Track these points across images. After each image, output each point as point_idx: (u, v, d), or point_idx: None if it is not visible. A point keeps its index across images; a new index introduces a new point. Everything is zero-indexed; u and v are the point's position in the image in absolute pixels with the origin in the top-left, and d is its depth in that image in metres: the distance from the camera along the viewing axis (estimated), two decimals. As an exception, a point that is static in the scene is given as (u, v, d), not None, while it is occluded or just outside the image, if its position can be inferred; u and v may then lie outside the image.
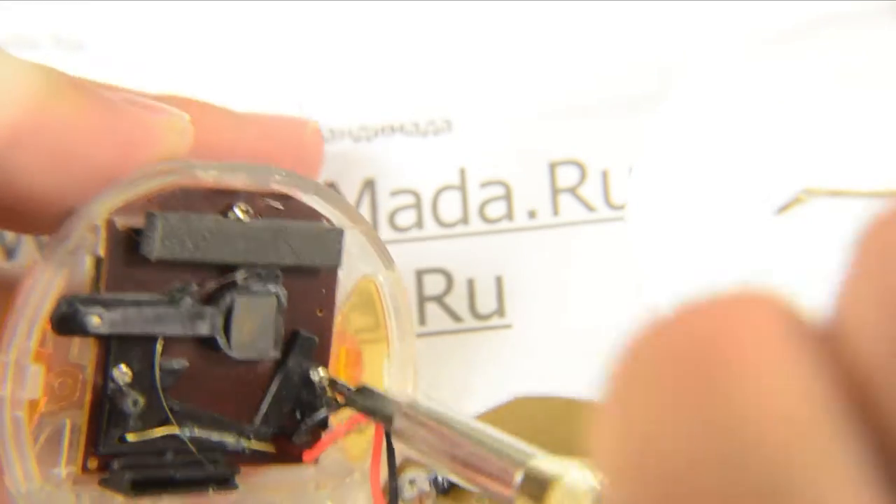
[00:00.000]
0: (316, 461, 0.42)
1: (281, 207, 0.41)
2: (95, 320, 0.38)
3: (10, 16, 0.50)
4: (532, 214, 0.49)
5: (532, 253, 0.49)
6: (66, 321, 0.38)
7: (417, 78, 0.51)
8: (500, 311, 0.49)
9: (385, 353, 0.44)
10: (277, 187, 0.41)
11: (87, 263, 0.38)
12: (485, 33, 0.51)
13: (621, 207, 0.49)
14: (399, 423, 0.37)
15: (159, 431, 0.39)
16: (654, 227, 0.45)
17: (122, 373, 0.39)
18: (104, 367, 0.39)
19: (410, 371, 0.44)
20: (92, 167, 0.39)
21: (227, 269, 0.40)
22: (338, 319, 0.42)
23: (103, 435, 0.39)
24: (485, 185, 0.50)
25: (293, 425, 0.42)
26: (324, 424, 0.42)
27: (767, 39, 0.46)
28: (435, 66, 0.51)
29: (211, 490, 0.40)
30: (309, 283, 0.41)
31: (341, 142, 0.49)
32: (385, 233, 0.49)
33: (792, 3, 0.47)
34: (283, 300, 0.41)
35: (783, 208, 0.44)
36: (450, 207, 0.50)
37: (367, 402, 0.39)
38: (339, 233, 0.41)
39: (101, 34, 0.50)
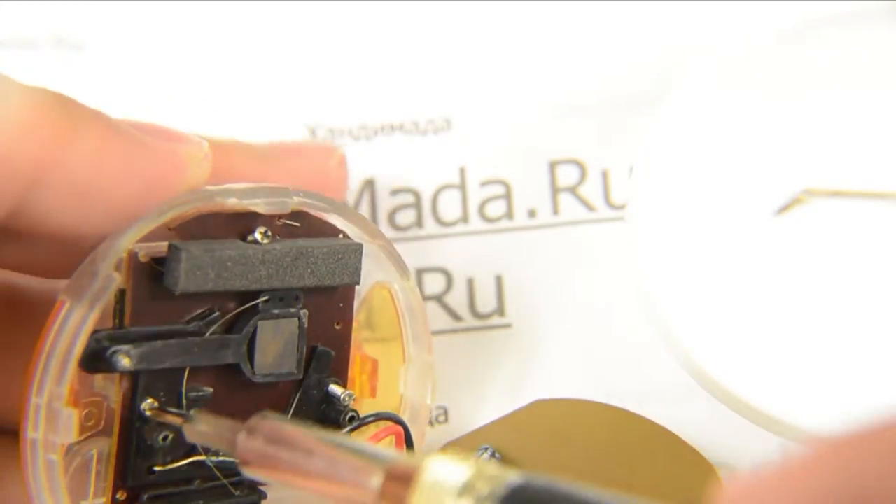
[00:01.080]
0: None
1: (298, 225, 0.41)
2: (125, 361, 0.38)
3: (10, 16, 0.50)
4: (532, 214, 0.49)
5: (532, 252, 0.49)
6: (94, 360, 0.38)
7: (417, 77, 0.51)
8: (499, 311, 0.49)
9: (401, 361, 0.44)
10: (295, 207, 0.41)
11: (110, 293, 0.38)
12: (484, 33, 0.51)
13: (621, 207, 0.49)
14: (244, 445, 0.36)
15: (186, 460, 0.39)
16: (654, 227, 0.45)
17: (151, 406, 0.39)
18: (132, 402, 0.39)
19: (429, 380, 0.44)
20: (117, 202, 0.38)
21: (248, 294, 0.40)
22: (353, 328, 0.42)
23: (132, 467, 0.39)
24: (485, 184, 0.50)
25: None
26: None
27: (767, 39, 0.46)
28: (435, 66, 0.51)
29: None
30: (327, 298, 0.41)
31: (341, 141, 0.49)
32: (385, 232, 0.49)
33: (792, 3, 0.47)
34: (305, 320, 0.40)
35: (783, 209, 0.44)
36: (449, 206, 0.50)
37: (204, 428, 0.38)
38: (357, 249, 0.41)
39: (101, 34, 0.50)
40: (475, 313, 0.48)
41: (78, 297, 0.38)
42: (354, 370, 0.43)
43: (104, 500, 0.39)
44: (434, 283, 0.49)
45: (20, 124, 0.36)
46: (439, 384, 0.44)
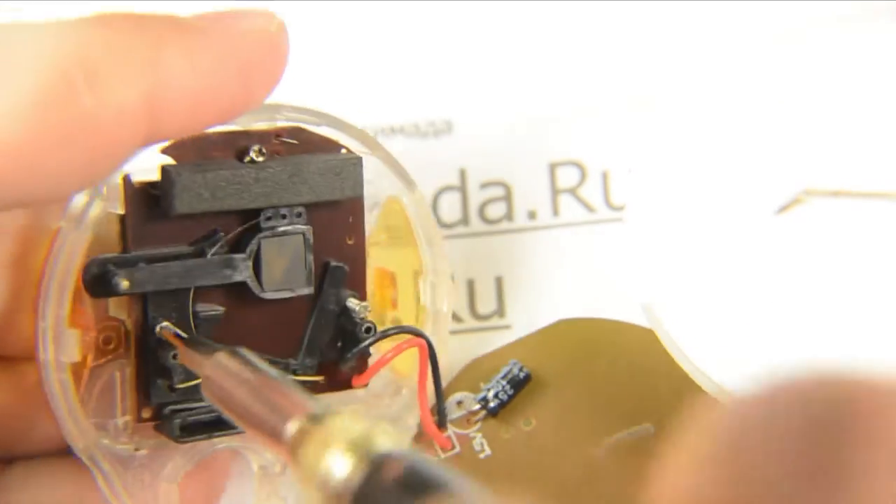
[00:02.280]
0: (365, 384, 0.43)
1: (295, 142, 0.41)
2: (124, 283, 0.39)
3: (9, 17, 0.50)
4: (532, 215, 0.49)
5: (532, 253, 0.49)
6: (97, 284, 0.39)
7: (418, 79, 0.51)
8: (500, 312, 0.49)
9: (419, 272, 0.44)
10: (286, 123, 0.41)
11: (113, 222, 0.39)
12: (485, 35, 0.51)
13: (621, 208, 0.49)
14: (204, 370, 0.37)
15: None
16: (654, 227, 0.45)
17: (163, 327, 0.40)
18: (144, 324, 0.40)
19: (446, 287, 0.44)
20: (225, 99, 0.38)
21: (249, 213, 0.40)
22: (367, 243, 0.43)
23: (153, 387, 0.40)
24: (485, 185, 0.50)
25: (337, 354, 0.42)
26: (367, 351, 0.42)
27: (767, 40, 0.46)
28: (435, 68, 0.51)
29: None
30: (335, 214, 0.42)
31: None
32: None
33: (792, 3, 0.48)
34: (309, 236, 0.41)
35: (783, 209, 0.44)
36: (450, 208, 0.50)
37: (188, 354, 0.39)
38: (357, 161, 0.41)
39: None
40: (475, 314, 0.48)
41: (72, 223, 0.39)
42: (374, 284, 0.43)
43: (130, 418, 0.40)
44: (434, 285, 0.49)
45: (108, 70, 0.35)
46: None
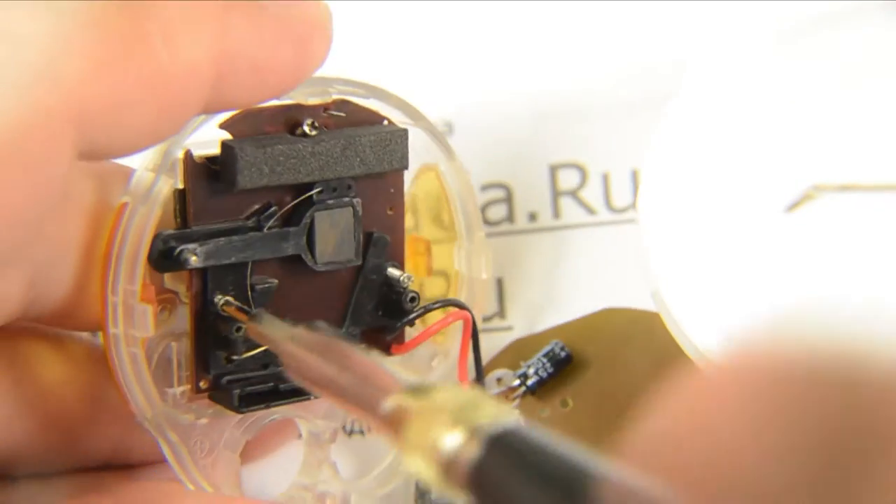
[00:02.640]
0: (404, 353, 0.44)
1: (343, 115, 0.42)
2: (193, 258, 0.40)
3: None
4: (533, 217, 0.49)
5: (533, 256, 0.49)
6: (164, 259, 0.40)
7: (418, 81, 0.51)
8: (500, 314, 0.48)
9: (454, 240, 0.45)
10: (337, 96, 0.42)
11: (168, 195, 0.40)
12: (485, 36, 0.51)
13: (622, 210, 0.49)
14: (286, 347, 0.37)
15: (259, 349, 0.41)
16: (665, 227, 0.45)
17: (223, 300, 0.40)
18: (203, 297, 0.41)
19: (483, 255, 0.45)
20: (278, 71, 0.39)
21: (302, 186, 0.41)
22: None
23: (211, 358, 0.41)
24: (486, 187, 0.50)
25: (379, 322, 0.43)
26: (411, 322, 0.43)
27: (771, 37, 0.47)
28: (435, 70, 0.51)
29: (313, 396, 0.42)
30: (378, 185, 0.42)
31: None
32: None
33: (794, 2, 0.48)
34: (359, 208, 0.42)
35: (793, 205, 0.44)
36: (450, 210, 0.50)
37: (261, 328, 0.39)
38: (403, 134, 0.42)
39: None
40: (477, 316, 0.48)
41: (140, 198, 0.40)
42: (408, 251, 0.44)
43: (187, 387, 0.41)
44: (435, 287, 0.49)
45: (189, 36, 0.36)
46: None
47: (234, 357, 0.41)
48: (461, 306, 0.43)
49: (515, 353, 0.46)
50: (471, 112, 0.50)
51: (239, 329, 0.40)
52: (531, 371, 0.45)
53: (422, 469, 0.31)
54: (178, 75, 0.36)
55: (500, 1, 0.51)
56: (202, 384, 0.41)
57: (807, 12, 0.47)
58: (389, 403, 0.32)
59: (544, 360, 0.45)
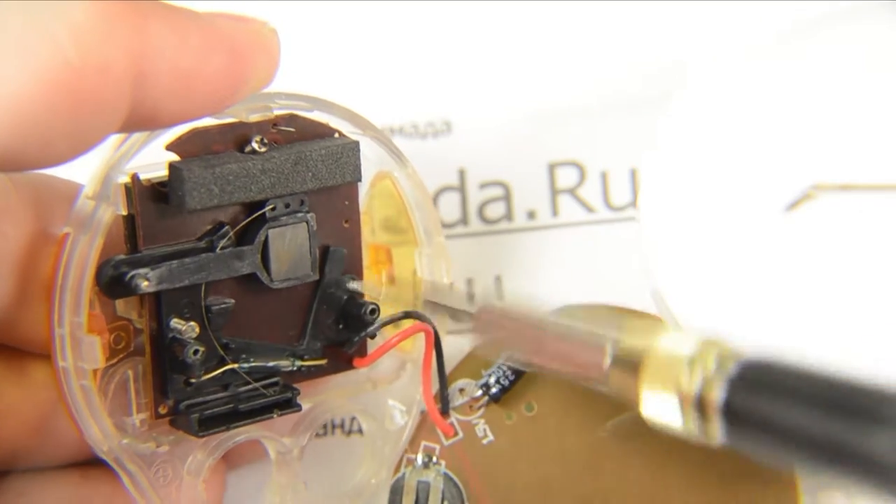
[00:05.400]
0: (367, 366, 0.43)
1: (292, 130, 0.41)
2: (144, 283, 0.39)
3: None
4: (532, 215, 0.49)
5: (532, 254, 0.49)
6: (115, 285, 0.39)
7: (417, 80, 0.51)
8: (499, 312, 0.48)
9: (414, 247, 0.45)
10: (281, 111, 0.41)
11: (109, 222, 0.39)
12: (484, 35, 0.51)
13: (621, 209, 0.49)
14: (476, 322, 0.38)
15: (218, 370, 0.40)
16: (665, 226, 0.45)
17: (178, 324, 0.40)
18: (159, 321, 0.40)
19: (444, 262, 0.45)
20: (214, 84, 0.38)
21: (255, 204, 0.40)
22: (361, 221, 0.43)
23: (169, 383, 0.40)
24: (484, 185, 0.50)
25: (340, 336, 0.43)
26: (372, 335, 0.42)
27: (771, 37, 0.47)
28: (434, 68, 0.51)
29: (276, 414, 0.41)
30: (332, 198, 0.42)
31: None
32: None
33: (794, 2, 0.48)
34: (313, 223, 0.41)
35: (793, 205, 0.44)
36: (449, 208, 0.50)
37: (447, 304, 0.40)
38: (354, 147, 0.42)
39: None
40: (475, 313, 0.48)
41: (81, 227, 0.39)
42: (369, 259, 0.44)
43: (146, 414, 0.41)
44: (434, 285, 0.49)
45: (101, 31, 0.35)
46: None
47: (193, 380, 0.40)
48: (421, 318, 0.42)
49: (476, 361, 0.45)
50: (470, 110, 0.50)
51: (196, 352, 0.40)
52: (492, 380, 0.44)
53: (669, 410, 0.31)
54: (90, 75, 0.35)
55: (499, 0, 0.51)
56: (161, 410, 0.41)
57: (807, 12, 0.47)
58: (620, 355, 0.33)
59: (504, 367, 0.44)
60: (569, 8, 0.51)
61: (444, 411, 0.44)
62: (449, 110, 0.50)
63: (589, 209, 0.49)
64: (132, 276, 0.39)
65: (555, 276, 0.49)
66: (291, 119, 0.41)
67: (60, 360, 0.39)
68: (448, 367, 0.44)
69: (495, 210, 0.50)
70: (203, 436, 0.41)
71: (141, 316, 0.40)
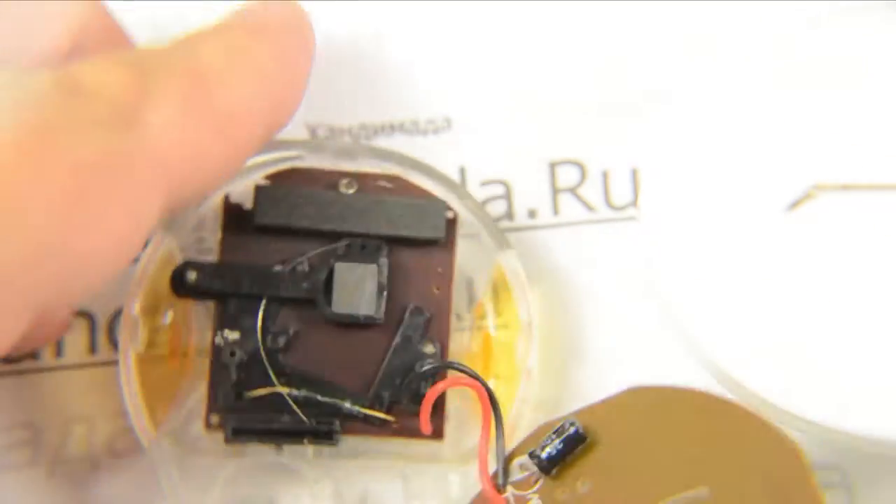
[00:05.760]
0: (442, 436, 0.43)
1: (390, 186, 0.43)
2: (192, 274, 0.42)
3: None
4: (532, 214, 0.49)
5: (532, 253, 0.49)
6: (175, 280, 0.42)
7: (417, 76, 0.51)
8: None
9: (517, 335, 0.45)
10: (390, 170, 0.44)
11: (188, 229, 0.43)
12: (485, 32, 0.51)
13: (622, 208, 0.49)
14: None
15: (264, 390, 0.42)
16: (666, 226, 0.45)
17: (230, 335, 0.42)
18: (215, 331, 0.42)
19: (532, 340, 0.45)
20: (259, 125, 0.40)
21: (331, 237, 0.42)
22: (475, 306, 0.44)
23: (220, 394, 0.42)
24: (485, 184, 0.50)
25: (399, 395, 0.43)
26: (421, 393, 0.43)
27: (772, 36, 0.47)
28: (435, 65, 0.50)
29: (306, 441, 0.42)
30: (424, 260, 0.43)
31: (341, 140, 0.49)
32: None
33: (795, 2, 0.48)
34: (385, 269, 0.42)
35: (794, 204, 0.44)
36: (449, 206, 0.50)
37: None
38: (441, 205, 0.43)
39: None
40: (475, 312, 0.48)
41: (166, 230, 0.43)
42: (480, 347, 0.44)
43: (198, 423, 0.43)
44: (433, 283, 0.49)
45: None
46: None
47: (243, 396, 0.42)
48: (472, 375, 0.42)
49: (542, 436, 0.42)
50: (470, 108, 0.50)
51: (240, 364, 0.42)
52: (541, 449, 0.41)
53: None
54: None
55: (499, -2, 0.51)
56: (212, 419, 0.42)
57: (807, 12, 0.47)
58: None
59: (553, 435, 0.41)
60: (569, 7, 0.50)
61: (502, 484, 0.42)
62: (449, 107, 0.50)
63: (590, 208, 0.49)
64: (185, 266, 0.42)
65: (555, 275, 0.49)
66: (395, 178, 0.44)
67: (122, 343, 0.42)
68: (515, 439, 0.42)
69: (496, 208, 0.49)
70: (232, 443, 0.42)
71: (212, 327, 0.42)
